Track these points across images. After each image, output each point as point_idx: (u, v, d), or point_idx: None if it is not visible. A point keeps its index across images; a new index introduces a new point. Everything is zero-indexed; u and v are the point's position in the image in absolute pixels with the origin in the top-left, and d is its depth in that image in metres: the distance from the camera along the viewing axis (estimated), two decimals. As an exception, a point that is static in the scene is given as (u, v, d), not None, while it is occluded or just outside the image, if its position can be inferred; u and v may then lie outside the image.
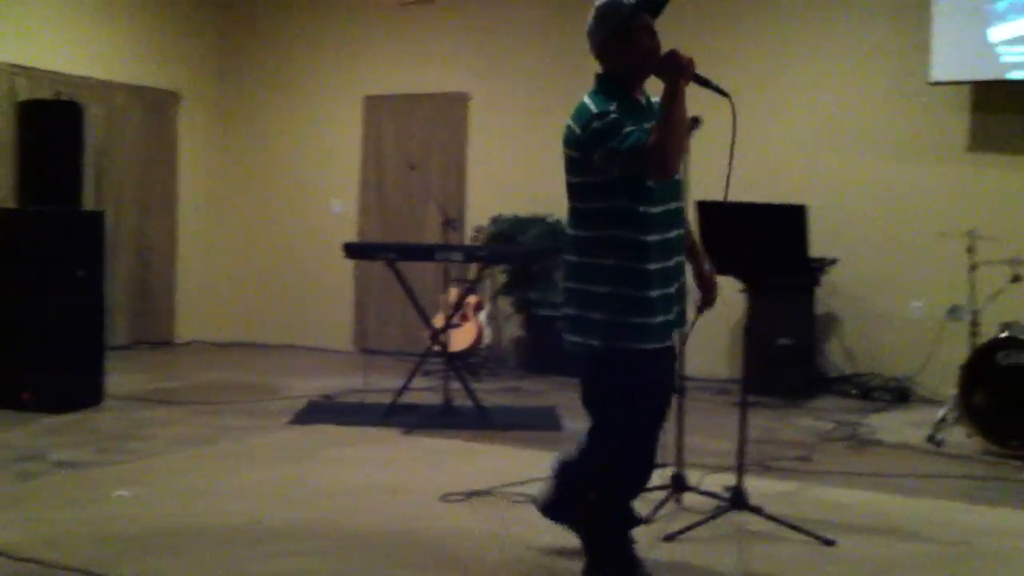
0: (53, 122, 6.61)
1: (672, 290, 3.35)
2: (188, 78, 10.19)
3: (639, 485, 3.56)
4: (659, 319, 3.29)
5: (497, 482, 4.72)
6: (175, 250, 10.07)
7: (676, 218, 3.40)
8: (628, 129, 3.16)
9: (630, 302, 3.26)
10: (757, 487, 4.46)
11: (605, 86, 3.33)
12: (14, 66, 8.44)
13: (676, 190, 3.42)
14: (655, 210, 3.30)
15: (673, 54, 3.22)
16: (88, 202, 8.26)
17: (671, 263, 3.35)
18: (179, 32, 10.11)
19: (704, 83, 3.36)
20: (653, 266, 3.28)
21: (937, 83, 7.66)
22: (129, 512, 4.16)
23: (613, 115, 3.20)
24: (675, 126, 3.11)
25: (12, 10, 8.49)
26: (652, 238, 3.28)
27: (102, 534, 3.85)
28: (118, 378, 7.18)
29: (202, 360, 9.19)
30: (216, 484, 4.67)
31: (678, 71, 3.18)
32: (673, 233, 3.37)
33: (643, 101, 3.38)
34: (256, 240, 10.52)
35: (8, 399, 6.30)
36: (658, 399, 3.43)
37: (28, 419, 6.03)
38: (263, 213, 10.48)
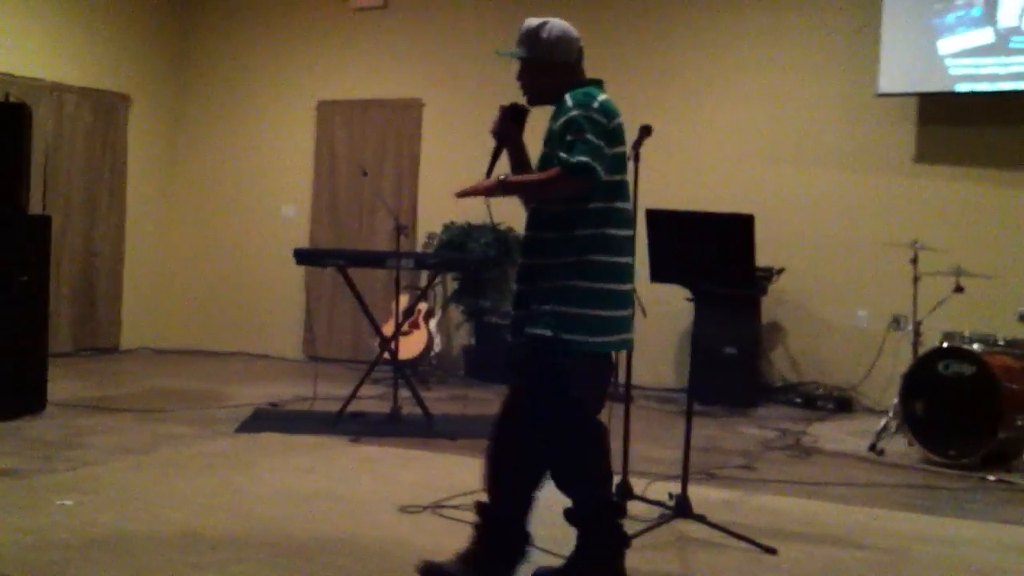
0: (0, 124, 6.49)
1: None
2: (139, 81, 10.09)
3: None
4: None
5: (444, 491, 4.72)
6: (122, 255, 9.95)
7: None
8: None
9: None
10: (701, 495, 4.50)
11: None
12: (-39, 67, 8.33)
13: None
14: None
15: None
16: (35, 206, 8.16)
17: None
18: (131, 34, 10.02)
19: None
20: None
21: (885, 95, 7.77)
22: (70, 520, 4.10)
23: None
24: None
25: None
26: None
27: (43, 542, 3.79)
28: (61, 385, 7.09)
29: (148, 367, 9.08)
30: (158, 492, 4.62)
31: None
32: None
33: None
34: (206, 245, 10.43)
35: (-52, 406, 6.20)
36: None
37: (-32, 426, 5.93)
38: (213, 218, 10.40)
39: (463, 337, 9.32)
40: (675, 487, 4.36)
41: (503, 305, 8.87)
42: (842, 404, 7.75)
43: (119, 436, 5.94)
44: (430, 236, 9.05)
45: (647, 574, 3.73)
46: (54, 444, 5.63)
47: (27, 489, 4.61)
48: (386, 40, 9.76)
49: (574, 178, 3.26)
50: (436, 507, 4.50)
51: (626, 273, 3.46)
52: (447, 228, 9.09)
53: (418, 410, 6.47)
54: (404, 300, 8.09)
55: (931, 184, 7.88)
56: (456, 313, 9.25)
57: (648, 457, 5.58)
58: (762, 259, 5.31)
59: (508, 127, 3.56)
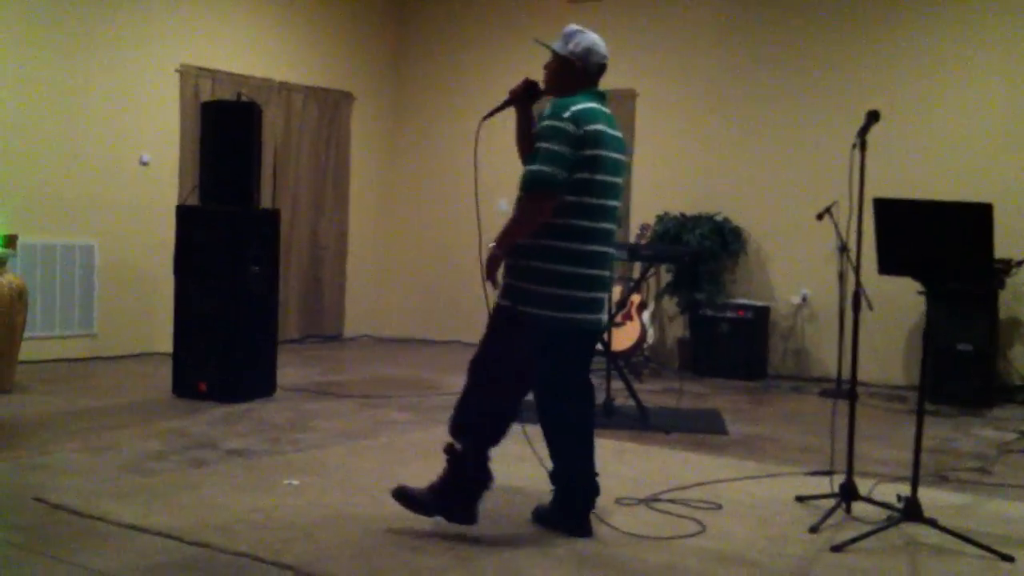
0: (233, 123, 6.77)
1: None
2: (362, 79, 10.44)
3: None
4: None
5: (659, 484, 4.67)
6: (346, 247, 10.33)
7: None
8: None
9: None
10: (931, 498, 4.27)
11: None
12: (199, 68, 8.82)
13: None
14: None
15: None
16: (265, 200, 8.55)
17: None
18: (354, 35, 10.38)
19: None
20: None
21: None
22: (296, 501, 4.27)
23: None
24: None
25: (198, 16, 8.87)
26: None
27: (271, 521, 3.95)
28: (289, 371, 7.41)
29: (368, 355, 9.39)
30: (379, 476, 4.74)
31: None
32: None
33: None
34: (423, 238, 10.69)
35: (186, 389, 6.60)
36: None
37: (204, 408, 6.29)
38: (430, 211, 10.64)
39: (677, 329, 9.19)
40: (903, 488, 4.15)
41: (719, 298, 8.70)
42: (1088, 406, 7.21)
43: (342, 420, 6.15)
44: (643, 227, 8.95)
45: (874, 579, 3.56)
46: (282, 427, 5.89)
47: (258, 469, 4.83)
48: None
49: (534, 191, 3.75)
50: (651, 500, 4.44)
51: (597, 260, 3.85)
52: (661, 219, 8.99)
53: (631, 402, 6.41)
54: (617, 291, 8.03)
55: None
56: (670, 305, 9.13)
57: (875, 457, 5.34)
58: (1001, 250, 4.98)
59: (520, 94, 4.12)
